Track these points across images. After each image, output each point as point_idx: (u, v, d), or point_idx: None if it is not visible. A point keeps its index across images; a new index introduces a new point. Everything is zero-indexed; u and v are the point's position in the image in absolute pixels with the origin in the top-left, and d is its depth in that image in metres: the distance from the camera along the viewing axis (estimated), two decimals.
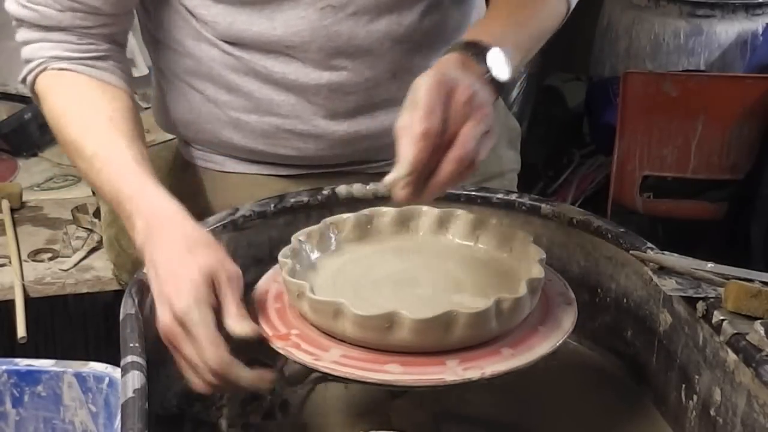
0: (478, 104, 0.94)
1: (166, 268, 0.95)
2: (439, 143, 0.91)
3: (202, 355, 0.91)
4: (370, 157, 1.29)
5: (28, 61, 1.19)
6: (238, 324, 0.92)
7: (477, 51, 1.02)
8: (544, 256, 0.97)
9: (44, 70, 1.18)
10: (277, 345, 0.92)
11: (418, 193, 0.91)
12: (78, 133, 1.12)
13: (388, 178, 0.91)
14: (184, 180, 1.33)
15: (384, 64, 1.22)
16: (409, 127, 0.90)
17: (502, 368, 0.88)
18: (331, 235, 1.05)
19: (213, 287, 0.93)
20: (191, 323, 0.91)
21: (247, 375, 0.92)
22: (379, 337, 0.88)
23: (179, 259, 0.95)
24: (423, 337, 0.88)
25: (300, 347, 0.91)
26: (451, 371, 0.88)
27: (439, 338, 0.88)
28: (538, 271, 0.94)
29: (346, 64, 1.20)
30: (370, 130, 1.26)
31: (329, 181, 1.20)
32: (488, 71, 1.01)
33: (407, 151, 0.89)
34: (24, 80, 1.20)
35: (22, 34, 1.19)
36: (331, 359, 0.89)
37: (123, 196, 1.05)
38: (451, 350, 0.90)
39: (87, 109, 1.14)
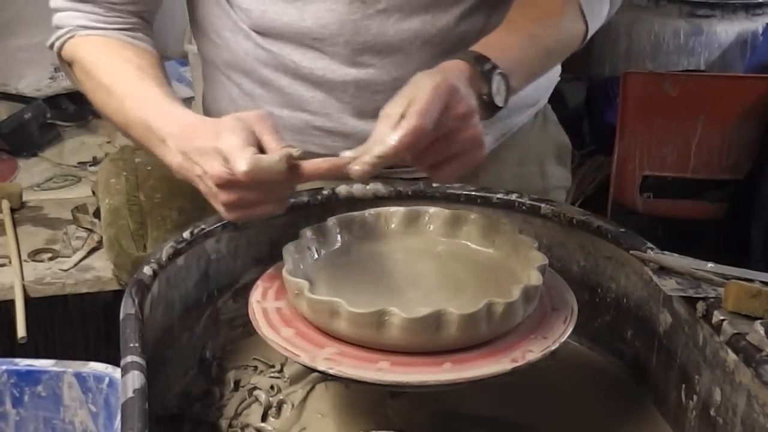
0: (473, 123, 0.96)
1: (201, 142, 0.99)
2: (422, 144, 0.93)
3: (235, 165, 0.94)
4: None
5: (58, 28, 1.24)
6: (280, 152, 0.95)
7: (485, 69, 1.03)
8: (546, 262, 0.97)
9: (72, 37, 1.23)
10: (275, 342, 0.92)
11: (366, 177, 0.92)
12: (109, 78, 1.17)
13: (351, 152, 0.92)
14: None
15: (413, 64, 1.20)
16: (396, 116, 0.92)
17: (489, 371, 0.88)
18: (338, 233, 1.05)
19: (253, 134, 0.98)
20: (227, 152, 0.95)
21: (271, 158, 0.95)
22: (372, 335, 0.89)
23: (215, 132, 0.98)
24: (414, 336, 0.88)
25: (295, 344, 0.91)
26: (441, 372, 0.88)
27: (430, 338, 0.88)
28: (536, 278, 0.94)
29: (374, 61, 1.20)
30: None
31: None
32: (488, 93, 1.02)
33: (389, 137, 0.91)
34: (52, 46, 1.24)
35: (54, 1, 1.25)
36: (324, 356, 0.89)
37: (153, 126, 1.08)
38: (444, 351, 0.90)
39: (116, 59, 1.19)
